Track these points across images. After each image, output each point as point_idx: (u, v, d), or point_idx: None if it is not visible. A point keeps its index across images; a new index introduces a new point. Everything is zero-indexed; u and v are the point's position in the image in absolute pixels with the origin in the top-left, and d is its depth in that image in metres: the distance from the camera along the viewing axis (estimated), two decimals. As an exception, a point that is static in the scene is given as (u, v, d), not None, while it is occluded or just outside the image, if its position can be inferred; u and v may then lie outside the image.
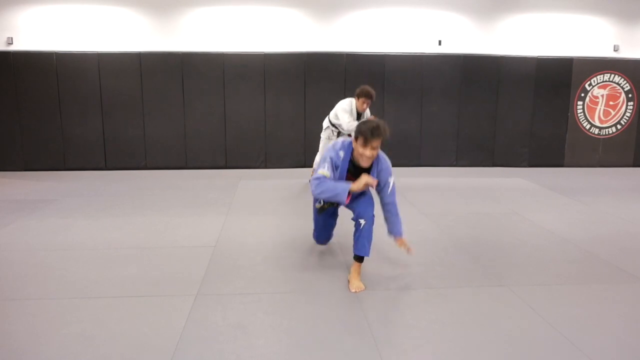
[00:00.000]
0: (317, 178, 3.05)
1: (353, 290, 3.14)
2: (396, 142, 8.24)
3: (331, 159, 3.11)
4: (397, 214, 3.31)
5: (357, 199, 3.26)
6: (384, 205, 3.29)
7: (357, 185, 2.99)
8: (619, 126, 8.54)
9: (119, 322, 2.71)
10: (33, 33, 7.57)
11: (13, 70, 7.52)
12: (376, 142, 2.96)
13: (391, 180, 3.21)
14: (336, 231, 3.87)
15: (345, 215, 3.65)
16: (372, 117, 2.98)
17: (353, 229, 3.29)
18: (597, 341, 2.57)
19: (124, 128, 7.80)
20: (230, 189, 6.37)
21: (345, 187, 3.00)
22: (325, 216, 3.54)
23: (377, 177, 3.14)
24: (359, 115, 5.89)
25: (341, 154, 3.12)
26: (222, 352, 2.42)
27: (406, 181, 6.93)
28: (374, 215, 3.24)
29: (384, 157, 3.20)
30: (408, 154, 8.32)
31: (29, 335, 2.56)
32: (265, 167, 8.09)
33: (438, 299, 3.06)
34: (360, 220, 3.19)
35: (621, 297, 3.13)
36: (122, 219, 4.88)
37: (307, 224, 4.64)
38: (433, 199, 5.89)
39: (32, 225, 4.64)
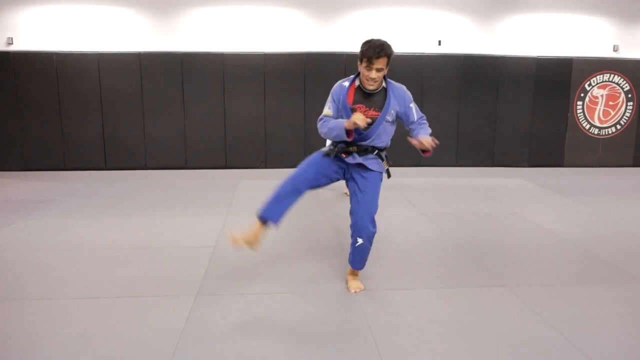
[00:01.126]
0: (321, 118, 2.96)
1: (352, 291, 3.14)
2: (396, 142, 8.23)
3: (332, 94, 3.00)
4: (425, 127, 3.07)
5: (360, 196, 2.96)
6: (412, 124, 3.09)
7: (348, 123, 2.75)
8: (618, 126, 8.54)
9: (118, 322, 2.71)
10: (33, 33, 7.57)
11: (13, 71, 7.52)
12: (381, 62, 2.79)
13: (412, 106, 3.02)
14: (336, 231, 3.87)
15: (346, 216, 3.65)
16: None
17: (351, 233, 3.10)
18: (597, 341, 2.57)
19: (124, 128, 7.80)
20: (230, 189, 6.37)
21: (340, 124, 2.79)
22: (324, 163, 3.01)
23: (394, 106, 2.97)
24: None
25: (344, 84, 2.98)
26: (221, 352, 2.42)
27: (406, 181, 6.93)
28: (374, 233, 2.98)
29: (398, 85, 3.02)
30: (408, 154, 8.28)
31: (28, 335, 2.56)
32: (266, 167, 8.09)
33: (438, 299, 3.06)
34: (358, 239, 2.97)
35: (621, 297, 3.13)
36: (122, 219, 4.88)
37: (307, 223, 4.65)
38: (433, 199, 5.89)
39: (32, 225, 4.64)
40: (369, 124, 2.90)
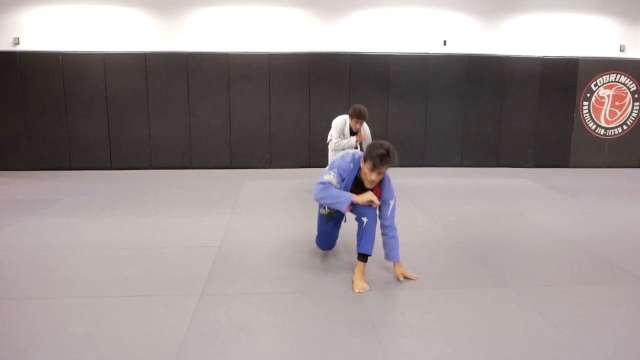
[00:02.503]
0: (323, 183, 3.10)
1: (357, 291, 3.14)
2: (400, 142, 8.24)
3: (340, 168, 3.17)
4: (395, 237, 3.31)
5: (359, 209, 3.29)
6: (382, 227, 3.30)
7: (360, 199, 3.07)
8: (624, 127, 8.49)
9: (122, 322, 2.72)
10: (39, 33, 7.61)
11: (19, 70, 7.56)
12: (384, 169, 3.03)
13: (392, 202, 3.25)
14: (340, 232, 3.87)
15: (349, 217, 3.64)
16: (379, 141, 3.04)
17: (357, 228, 3.30)
18: (601, 342, 2.55)
19: (129, 128, 7.82)
20: (235, 189, 6.38)
21: (349, 197, 3.07)
22: (331, 223, 3.57)
23: (387, 196, 3.22)
24: (354, 133, 5.77)
25: (351, 166, 3.18)
26: (225, 352, 2.43)
27: (410, 181, 6.92)
28: (376, 214, 3.25)
29: (389, 178, 3.25)
30: (412, 154, 8.30)
31: (31, 335, 2.57)
32: (270, 167, 8.10)
33: (442, 299, 3.06)
34: (362, 218, 3.21)
35: (625, 298, 3.11)
36: (126, 218, 4.90)
37: (312, 224, 4.64)
38: (437, 199, 5.87)
39: (37, 224, 4.67)
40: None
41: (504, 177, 7.50)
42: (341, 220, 3.64)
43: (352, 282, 3.24)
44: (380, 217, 3.30)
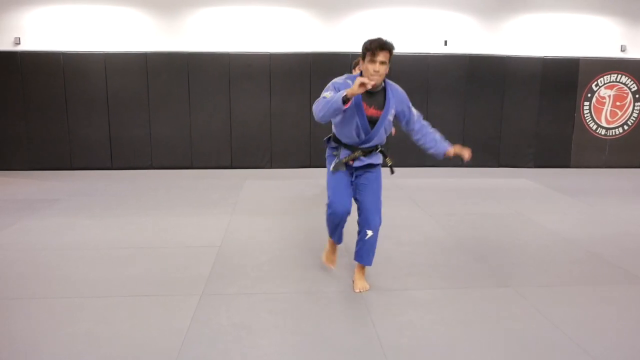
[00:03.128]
0: (318, 101, 2.87)
1: (357, 291, 3.14)
2: (401, 142, 8.22)
3: (334, 85, 2.94)
4: (433, 132, 3.14)
5: (365, 190, 3.06)
6: (415, 132, 3.12)
7: (351, 90, 2.67)
8: (625, 127, 8.48)
9: (123, 322, 2.73)
10: (40, 33, 7.61)
11: (20, 70, 7.57)
12: (384, 55, 2.80)
13: (411, 106, 3.05)
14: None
15: (350, 219, 3.64)
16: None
17: (358, 229, 3.21)
18: (602, 342, 2.55)
19: (130, 128, 7.83)
20: (236, 189, 6.38)
21: (340, 94, 2.72)
22: (346, 179, 3.09)
23: (394, 105, 2.98)
24: None
25: (349, 81, 2.92)
26: (226, 352, 2.43)
27: (411, 181, 6.92)
28: (380, 224, 3.11)
29: (397, 86, 3.04)
30: (413, 154, 8.28)
31: (33, 335, 2.58)
32: (271, 167, 8.10)
33: (443, 299, 3.06)
34: (367, 230, 3.06)
35: (626, 298, 3.11)
36: (127, 218, 4.90)
37: (313, 223, 4.65)
38: (438, 199, 5.87)
39: (38, 224, 4.67)
40: (372, 123, 2.95)
41: (504, 177, 7.50)
42: (352, 177, 3.14)
43: (353, 282, 3.24)
44: (408, 129, 3.12)
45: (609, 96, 8.38)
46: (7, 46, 7.56)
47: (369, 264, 3.19)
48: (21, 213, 5.06)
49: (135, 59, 7.69)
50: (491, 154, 8.40)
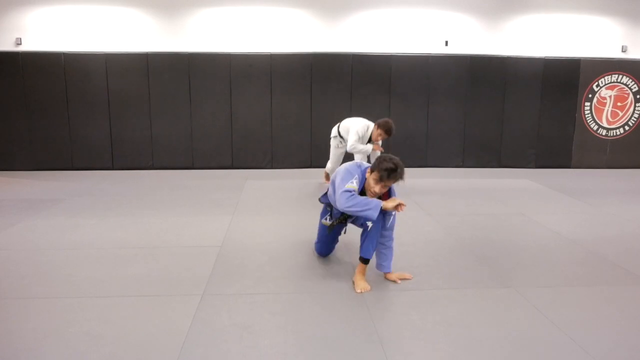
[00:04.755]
0: (348, 191, 3.06)
1: (358, 291, 3.14)
2: (402, 143, 8.24)
3: (353, 174, 3.16)
4: (391, 248, 3.32)
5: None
6: (381, 236, 3.27)
7: (389, 204, 3.02)
8: (626, 127, 8.48)
9: (125, 322, 2.73)
10: (41, 34, 7.62)
11: (21, 71, 7.58)
12: (390, 183, 3.04)
13: (394, 212, 3.20)
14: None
15: (350, 228, 3.65)
16: (384, 152, 3.10)
17: (359, 230, 3.31)
18: (603, 343, 2.55)
19: (131, 128, 7.84)
20: (237, 189, 6.38)
21: (378, 204, 3.00)
22: (333, 233, 3.59)
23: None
24: (369, 141, 5.87)
25: (359, 176, 3.17)
26: (228, 352, 2.43)
27: (412, 182, 6.91)
28: (382, 219, 3.21)
29: (394, 189, 3.24)
30: (414, 155, 8.30)
31: (35, 334, 2.58)
32: (272, 167, 8.10)
33: (444, 299, 3.06)
34: (368, 222, 3.19)
35: (628, 299, 3.11)
36: (128, 218, 4.90)
37: (314, 224, 4.64)
38: (439, 199, 5.87)
39: (40, 224, 4.68)
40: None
41: (505, 177, 7.50)
42: (342, 230, 3.65)
43: (353, 282, 3.24)
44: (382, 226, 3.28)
45: (610, 97, 8.38)
46: (8, 46, 7.58)
47: (369, 256, 3.22)
48: (24, 213, 5.06)
49: (136, 60, 7.70)
50: (492, 154, 8.40)
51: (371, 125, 5.83)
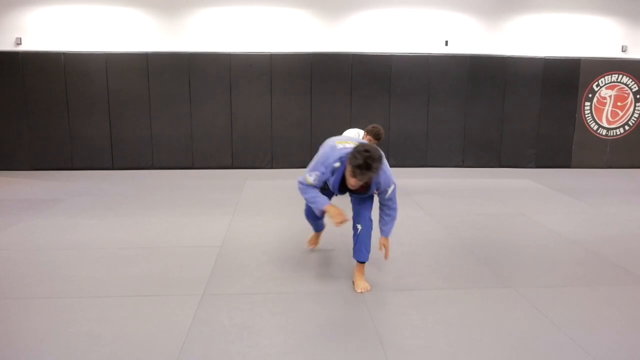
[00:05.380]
0: (302, 183, 3.07)
1: (359, 291, 3.14)
2: (402, 143, 8.25)
3: (322, 174, 3.03)
4: (392, 216, 3.20)
5: (355, 199, 3.25)
6: (381, 206, 3.21)
7: (331, 212, 3.01)
8: (627, 127, 8.48)
9: (125, 321, 2.73)
10: (41, 33, 7.62)
11: (21, 71, 7.57)
12: (364, 179, 2.84)
13: (390, 189, 3.10)
14: (341, 232, 3.88)
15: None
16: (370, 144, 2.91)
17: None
18: (604, 344, 2.55)
19: (131, 128, 7.83)
20: (237, 189, 6.38)
21: (323, 203, 3.05)
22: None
23: (377, 188, 3.09)
24: None
25: (336, 165, 3.01)
26: (227, 352, 2.43)
27: (412, 182, 6.92)
28: (371, 220, 3.21)
29: (383, 168, 3.00)
30: (414, 155, 8.30)
31: (35, 334, 2.58)
32: (272, 167, 8.10)
33: (444, 299, 3.06)
34: (357, 225, 3.20)
35: (629, 299, 3.11)
36: (128, 218, 4.90)
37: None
38: (439, 199, 5.87)
39: (40, 224, 4.68)
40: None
41: (505, 177, 7.50)
42: (330, 197, 3.41)
43: (353, 282, 3.24)
44: (379, 199, 3.19)
45: (610, 96, 8.38)
46: (8, 46, 7.57)
47: (364, 259, 3.21)
48: (24, 213, 5.06)
49: (136, 59, 7.70)
50: (492, 154, 8.40)
51: (362, 132, 5.85)
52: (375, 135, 5.58)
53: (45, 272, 3.46)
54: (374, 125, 5.63)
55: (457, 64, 8.12)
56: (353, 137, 5.73)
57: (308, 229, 4.45)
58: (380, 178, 3.03)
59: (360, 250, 3.20)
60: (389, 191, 3.12)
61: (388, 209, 3.19)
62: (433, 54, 8.09)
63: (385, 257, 3.25)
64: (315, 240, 3.93)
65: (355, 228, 3.22)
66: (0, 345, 2.48)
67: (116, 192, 6.21)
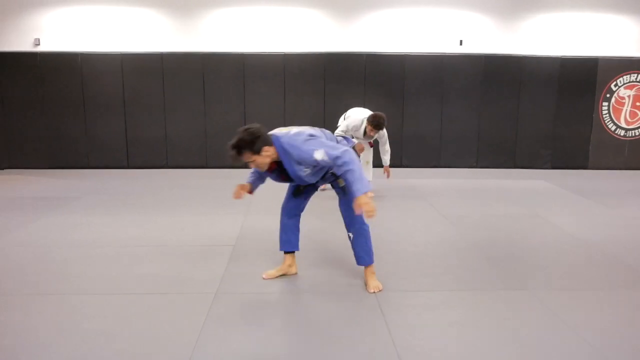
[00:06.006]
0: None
1: (372, 290, 3.13)
2: (415, 143, 8.20)
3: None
4: (344, 171, 2.75)
5: (344, 206, 3.19)
6: (336, 173, 2.97)
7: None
8: (645, 128, 8.34)
9: (139, 319, 2.75)
10: (59, 34, 7.73)
11: (40, 71, 7.69)
12: (246, 157, 3.02)
13: (319, 156, 2.78)
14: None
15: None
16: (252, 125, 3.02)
17: (374, 229, 3.29)
18: (621, 348, 2.51)
19: (146, 127, 7.91)
20: (250, 188, 6.39)
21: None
22: (296, 195, 3.38)
23: (291, 162, 2.95)
24: (365, 135, 5.78)
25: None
26: (240, 350, 2.44)
27: (425, 182, 6.88)
28: (362, 225, 3.12)
29: (285, 149, 2.92)
30: (428, 155, 8.26)
31: (50, 330, 2.61)
32: (285, 167, 8.10)
33: (458, 301, 3.03)
34: (349, 233, 3.20)
35: (647, 303, 3.05)
36: (143, 217, 4.95)
37: (327, 222, 4.65)
38: (453, 200, 5.83)
39: (56, 222, 4.74)
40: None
41: (520, 178, 7.42)
42: (306, 196, 3.41)
43: (365, 283, 3.23)
44: (332, 173, 3.06)
45: (629, 96, 8.24)
46: (27, 47, 7.69)
47: (365, 263, 3.19)
48: (42, 210, 5.14)
49: (151, 60, 7.77)
50: (507, 154, 8.32)
51: (365, 120, 5.71)
52: (373, 123, 5.49)
53: (61, 269, 3.51)
54: (376, 113, 5.54)
55: (472, 64, 8.05)
56: (356, 123, 5.68)
57: (319, 229, 4.46)
58: (287, 155, 2.91)
59: (360, 256, 3.19)
60: (320, 158, 2.79)
61: (339, 168, 2.79)
62: (447, 54, 8.03)
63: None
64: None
65: (348, 236, 3.21)
66: (15, 340, 2.51)
67: (131, 190, 6.27)
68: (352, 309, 2.92)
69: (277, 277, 3.34)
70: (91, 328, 2.63)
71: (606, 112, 8.26)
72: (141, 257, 3.77)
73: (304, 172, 2.97)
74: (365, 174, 2.92)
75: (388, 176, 5.79)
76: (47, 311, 2.84)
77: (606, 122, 8.29)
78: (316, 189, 3.41)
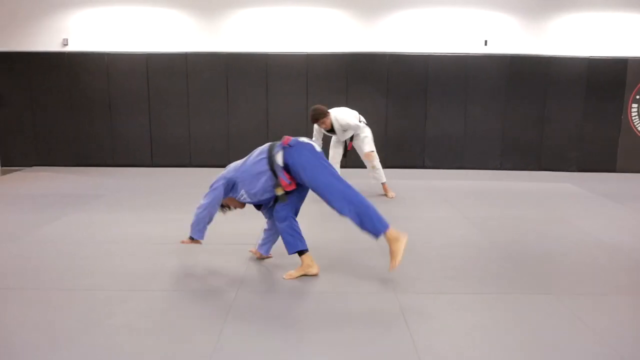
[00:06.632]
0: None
1: (399, 256, 3.11)
2: (439, 144, 8.13)
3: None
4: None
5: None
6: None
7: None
8: (677, 130, 8.10)
9: (161, 315, 2.79)
10: (86, 35, 7.89)
11: (67, 70, 7.87)
12: None
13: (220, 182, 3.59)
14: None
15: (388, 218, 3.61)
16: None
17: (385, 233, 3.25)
18: (650, 356, 2.44)
19: (170, 126, 8.02)
20: (271, 187, 6.42)
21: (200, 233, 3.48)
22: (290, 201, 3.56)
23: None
24: (333, 132, 6.16)
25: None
26: (262, 347, 2.45)
27: (448, 183, 6.81)
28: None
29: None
30: (451, 156, 8.17)
31: (76, 325, 2.67)
32: (306, 166, 8.12)
33: (480, 304, 3.00)
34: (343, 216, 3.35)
35: (677, 311, 2.97)
36: (167, 214, 5.01)
37: (348, 225, 4.63)
38: (476, 202, 5.76)
39: (82, 218, 4.84)
40: None
41: (546, 181, 7.29)
42: (269, 206, 3.73)
43: (390, 246, 3.16)
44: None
45: (660, 98, 8.02)
46: (55, 47, 7.87)
47: (384, 229, 3.16)
48: (68, 207, 5.25)
49: (176, 59, 7.87)
50: (532, 156, 8.18)
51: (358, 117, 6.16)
52: (310, 118, 5.81)
53: (87, 265, 3.58)
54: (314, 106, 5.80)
55: (497, 64, 7.94)
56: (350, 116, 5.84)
57: (341, 229, 4.45)
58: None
59: (372, 222, 3.21)
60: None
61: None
62: (471, 54, 7.94)
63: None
64: (305, 269, 3.41)
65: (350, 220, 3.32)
66: (43, 334, 2.57)
67: (155, 188, 6.37)
68: (372, 309, 2.91)
69: (297, 277, 3.35)
70: (115, 323, 2.68)
71: (635, 114, 8.05)
72: (165, 254, 3.82)
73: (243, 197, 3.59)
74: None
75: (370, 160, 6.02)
76: (71, 307, 2.90)
77: (635, 124, 8.08)
78: (279, 200, 3.57)
